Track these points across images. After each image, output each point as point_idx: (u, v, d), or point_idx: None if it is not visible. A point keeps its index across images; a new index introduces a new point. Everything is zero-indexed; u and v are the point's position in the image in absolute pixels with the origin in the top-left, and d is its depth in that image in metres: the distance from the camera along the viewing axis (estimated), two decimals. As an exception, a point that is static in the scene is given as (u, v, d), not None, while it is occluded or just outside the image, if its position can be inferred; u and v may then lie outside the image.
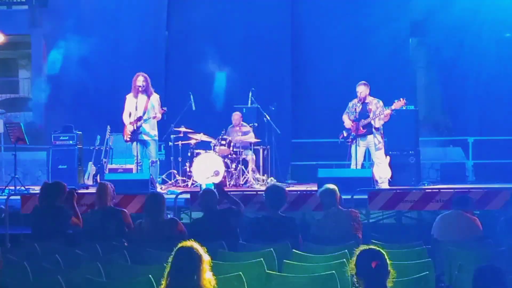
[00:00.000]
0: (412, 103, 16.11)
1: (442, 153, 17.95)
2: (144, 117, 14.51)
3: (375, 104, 14.21)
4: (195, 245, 6.09)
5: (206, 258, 6.00)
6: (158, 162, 14.89)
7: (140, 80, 14.63)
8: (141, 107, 14.60)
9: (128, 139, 14.65)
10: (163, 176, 15.66)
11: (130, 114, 14.63)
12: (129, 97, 14.79)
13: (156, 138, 14.79)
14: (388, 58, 17.13)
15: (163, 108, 14.69)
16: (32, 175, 16.64)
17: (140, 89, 14.59)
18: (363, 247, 5.58)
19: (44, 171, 16.02)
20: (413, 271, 7.10)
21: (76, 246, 8.95)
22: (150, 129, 14.64)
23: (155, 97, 14.75)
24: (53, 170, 15.48)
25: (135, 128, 14.46)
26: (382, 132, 14.32)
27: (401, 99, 14.04)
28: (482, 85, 16.93)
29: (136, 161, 14.57)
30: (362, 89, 14.30)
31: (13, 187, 14.43)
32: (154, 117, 14.49)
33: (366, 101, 14.28)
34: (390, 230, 11.82)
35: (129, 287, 6.68)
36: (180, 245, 6.15)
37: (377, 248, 5.62)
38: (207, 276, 5.99)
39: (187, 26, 18.18)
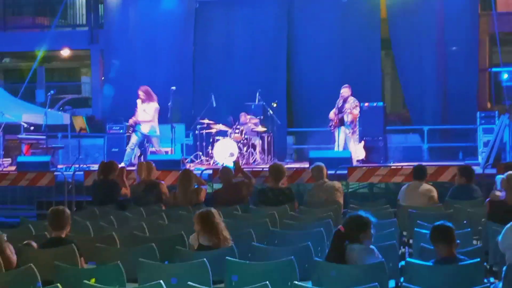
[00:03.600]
0: (380, 100, 16.11)
1: (404, 138, 17.87)
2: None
3: (351, 103, 14.16)
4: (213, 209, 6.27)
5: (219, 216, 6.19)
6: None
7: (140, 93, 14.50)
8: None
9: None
10: (191, 157, 15.66)
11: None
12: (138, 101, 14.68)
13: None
14: (364, 65, 17.08)
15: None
16: (91, 156, 16.66)
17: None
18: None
19: (101, 153, 16.04)
20: (383, 228, 7.12)
21: (125, 210, 9.02)
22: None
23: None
24: (107, 152, 15.48)
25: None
26: (354, 125, 14.26)
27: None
28: (435, 85, 16.91)
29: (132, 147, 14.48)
30: (345, 91, 14.25)
31: (77, 165, 14.47)
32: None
33: (347, 99, 14.24)
34: (364, 198, 11.81)
35: (166, 241, 6.71)
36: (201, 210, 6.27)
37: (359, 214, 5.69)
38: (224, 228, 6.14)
39: (209, 42, 18.13)
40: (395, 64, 17.90)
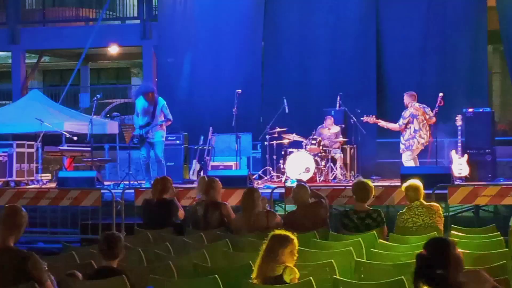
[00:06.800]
0: (487, 105, 15.91)
1: (517, 151, 17.63)
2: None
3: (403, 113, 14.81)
4: (287, 232, 6.30)
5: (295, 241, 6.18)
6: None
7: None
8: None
9: None
10: (259, 172, 15.75)
11: None
12: None
13: None
14: (467, 63, 16.87)
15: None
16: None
17: None
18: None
19: (154, 167, 16.28)
20: (491, 260, 6.99)
21: (183, 235, 9.08)
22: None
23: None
24: (162, 167, 15.74)
25: None
26: (406, 139, 14.56)
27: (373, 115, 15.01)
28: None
29: None
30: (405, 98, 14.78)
31: (127, 182, 14.67)
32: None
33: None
34: (469, 222, 11.63)
35: (232, 272, 6.73)
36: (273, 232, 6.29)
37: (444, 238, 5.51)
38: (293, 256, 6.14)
39: (281, 37, 18.21)
40: (506, 61, 17.64)
